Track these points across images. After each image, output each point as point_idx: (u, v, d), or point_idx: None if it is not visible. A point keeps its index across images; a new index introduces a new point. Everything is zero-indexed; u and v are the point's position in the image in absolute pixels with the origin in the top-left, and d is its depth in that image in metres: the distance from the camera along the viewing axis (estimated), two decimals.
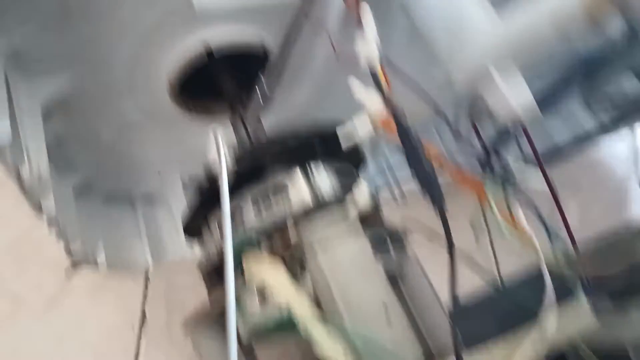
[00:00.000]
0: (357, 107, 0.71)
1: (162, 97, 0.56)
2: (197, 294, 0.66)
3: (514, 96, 0.39)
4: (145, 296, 0.67)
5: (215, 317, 0.46)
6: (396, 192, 0.83)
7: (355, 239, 0.41)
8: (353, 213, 0.43)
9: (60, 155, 0.52)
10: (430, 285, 0.48)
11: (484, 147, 0.44)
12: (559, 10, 0.37)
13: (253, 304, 0.42)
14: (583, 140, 0.85)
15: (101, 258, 0.61)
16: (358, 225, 0.42)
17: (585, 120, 0.89)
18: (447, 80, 0.44)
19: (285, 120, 0.66)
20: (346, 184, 0.47)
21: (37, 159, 0.42)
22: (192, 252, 0.69)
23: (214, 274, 0.46)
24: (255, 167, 0.46)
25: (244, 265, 0.41)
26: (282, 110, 0.64)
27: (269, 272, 0.39)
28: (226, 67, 0.57)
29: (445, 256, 0.47)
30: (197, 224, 0.49)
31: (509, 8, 0.49)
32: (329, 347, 0.36)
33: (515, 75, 0.40)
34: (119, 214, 0.68)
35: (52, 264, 0.66)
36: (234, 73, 0.59)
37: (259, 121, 0.55)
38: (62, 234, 0.52)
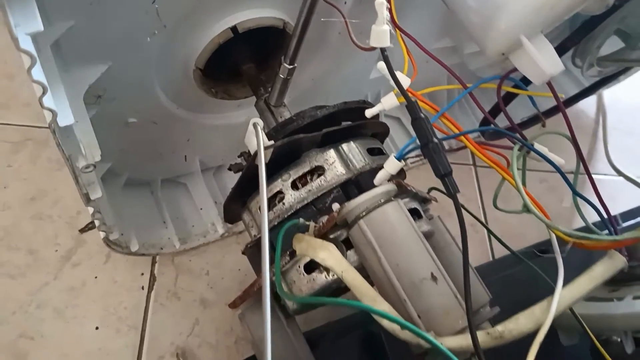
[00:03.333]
0: (366, 82, 0.75)
1: (188, 82, 0.57)
2: (203, 261, 0.70)
3: (543, 60, 0.42)
4: (155, 259, 0.71)
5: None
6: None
7: (395, 207, 0.43)
8: (388, 183, 0.46)
9: None
10: (457, 244, 0.52)
11: (507, 117, 0.47)
12: None
13: (301, 280, 0.46)
14: (567, 103, 0.90)
15: (134, 246, 0.63)
16: (394, 192, 0.45)
17: (568, 85, 0.95)
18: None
19: (298, 96, 0.68)
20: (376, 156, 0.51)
21: (91, 152, 0.44)
22: (215, 234, 0.72)
23: (260, 256, 0.49)
24: (291, 150, 0.48)
25: (295, 244, 0.44)
26: (294, 87, 0.66)
27: (321, 248, 0.42)
28: (246, 45, 0.59)
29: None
30: (236, 208, 0.52)
31: None
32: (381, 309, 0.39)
33: (542, 40, 0.43)
34: (140, 200, 0.70)
35: (68, 221, 0.71)
36: (253, 49, 0.61)
37: (283, 103, 0.57)
38: (104, 226, 0.54)
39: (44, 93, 0.36)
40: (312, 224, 0.44)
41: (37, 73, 0.36)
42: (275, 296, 0.47)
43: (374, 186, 0.45)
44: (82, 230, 0.70)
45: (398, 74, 0.44)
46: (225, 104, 0.64)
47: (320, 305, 0.51)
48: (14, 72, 0.81)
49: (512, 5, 0.43)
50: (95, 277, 0.68)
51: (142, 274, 0.69)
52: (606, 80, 0.83)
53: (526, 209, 0.44)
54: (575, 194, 0.45)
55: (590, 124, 0.98)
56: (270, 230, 0.49)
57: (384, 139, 0.57)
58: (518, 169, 0.45)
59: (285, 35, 0.56)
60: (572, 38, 0.63)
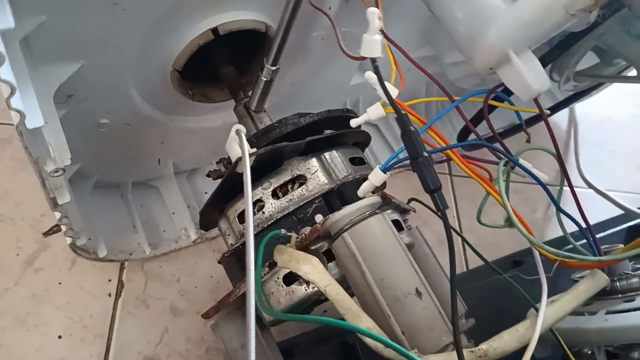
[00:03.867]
0: (346, 88, 0.74)
1: (165, 84, 0.55)
2: (174, 267, 0.68)
3: (531, 77, 0.42)
4: (123, 265, 0.68)
5: (238, 306, 0.48)
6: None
7: (379, 220, 0.43)
8: (372, 195, 0.45)
9: None
10: (435, 256, 0.52)
11: (493, 132, 0.47)
12: None
13: (279, 292, 0.45)
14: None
15: (102, 252, 0.60)
16: (378, 205, 0.44)
17: (542, 98, 0.96)
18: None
19: (278, 102, 0.66)
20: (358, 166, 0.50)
21: (60, 155, 0.41)
22: (187, 240, 0.70)
23: (237, 266, 0.48)
24: (273, 158, 0.47)
25: (276, 256, 0.43)
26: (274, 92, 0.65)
27: (304, 261, 0.41)
28: (226, 48, 0.57)
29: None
30: (213, 216, 0.50)
31: None
32: (364, 326, 0.38)
33: (530, 57, 0.43)
34: (109, 203, 0.67)
35: (32, 224, 0.68)
36: (233, 52, 0.59)
37: (263, 108, 0.55)
38: (71, 231, 0.51)
39: (12, 93, 0.34)
40: (293, 235, 0.43)
41: (5, 72, 0.33)
42: None
43: (356, 197, 0.44)
44: (46, 234, 0.67)
45: (386, 84, 0.43)
46: (203, 107, 0.62)
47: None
48: None
49: (502, 19, 0.42)
50: (60, 283, 0.65)
51: (110, 280, 0.67)
52: (580, 95, 0.84)
53: (509, 223, 0.44)
54: (560, 211, 0.45)
55: (562, 136, 1.00)
56: None
57: (365, 147, 0.56)
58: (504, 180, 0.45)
59: (267, 39, 0.55)
60: (552, 53, 0.64)
